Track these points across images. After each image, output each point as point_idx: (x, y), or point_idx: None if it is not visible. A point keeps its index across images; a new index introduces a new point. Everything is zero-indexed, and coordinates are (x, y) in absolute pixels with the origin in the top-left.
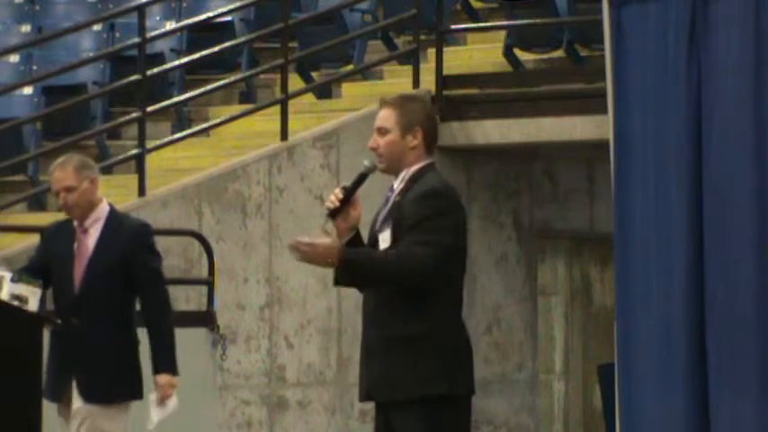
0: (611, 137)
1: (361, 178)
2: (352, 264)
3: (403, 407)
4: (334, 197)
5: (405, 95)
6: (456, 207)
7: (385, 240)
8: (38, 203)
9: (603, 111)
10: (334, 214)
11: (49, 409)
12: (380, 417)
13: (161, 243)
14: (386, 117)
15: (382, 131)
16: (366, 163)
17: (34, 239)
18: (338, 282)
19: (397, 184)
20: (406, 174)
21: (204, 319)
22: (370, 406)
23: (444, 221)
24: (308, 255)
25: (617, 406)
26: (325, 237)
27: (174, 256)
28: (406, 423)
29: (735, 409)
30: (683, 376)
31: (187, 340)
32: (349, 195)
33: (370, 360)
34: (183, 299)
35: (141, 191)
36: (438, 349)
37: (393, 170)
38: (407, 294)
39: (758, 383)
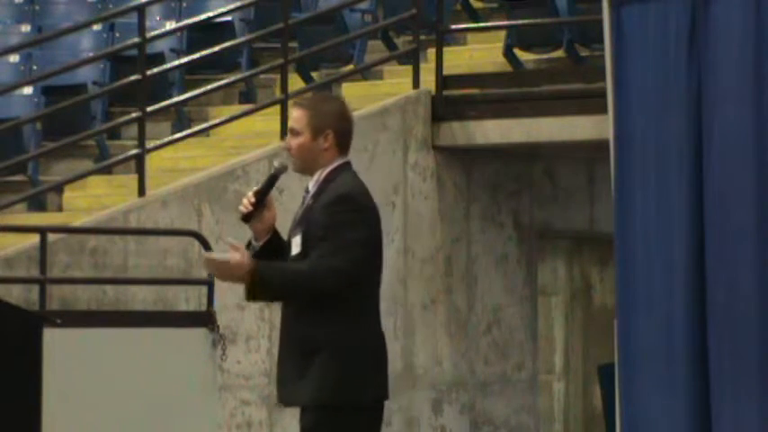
0: (611, 137)
1: (273, 179)
2: (265, 279)
3: (309, 412)
4: (246, 201)
5: (319, 96)
6: (365, 211)
7: (296, 246)
8: (38, 203)
9: (603, 111)
10: (248, 218)
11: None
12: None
13: (161, 243)
14: (297, 118)
15: (294, 133)
16: (276, 164)
17: (34, 239)
18: (253, 297)
19: (312, 186)
20: (320, 175)
21: (204, 319)
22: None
23: (354, 230)
24: (221, 271)
25: (617, 406)
26: (234, 252)
27: (174, 256)
28: (311, 428)
29: (735, 409)
30: (684, 376)
31: (187, 340)
32: (262, 198)
33: (283, 365)
34: (183, 299)
35: (141, 191)
36: (344, 357)
37: (307, 171)
38: (322, 304)
39: (759, 383)
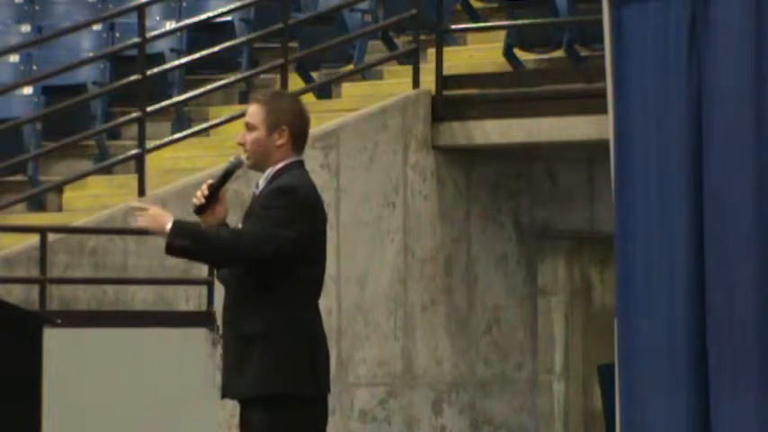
0: (611, 137)
1: (228, 174)
2: (184, 228)
3: (250, 404)
4: (200, 193)
5: (276, 93)
6: (305, 205)
7: None
8: (38, 203)
9: (603, 111)
10: (200, 210)
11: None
12: (242, 413)
13: (161, 243)
14: (254, 113)
15: (249, 127)
16: (232, 158)
17: (34, 239)
18: (170, 247)
19: (262, 182)
20: (270, 171)
21: (204, 319)
22: (371, 406)
23: (285, 213)
24: (145, 217)
25: (617, 406)
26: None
27: None
28: (252, 421)
29: (735, 409)
30: (684, 376)
31: (187, 340)
32: (215, 191)
33: (226, 357)
34: (183, 299)
35: (141, 191)
36: (283, 348)
37: (260, 167)
38: (257, 293)
39: (758, 384)
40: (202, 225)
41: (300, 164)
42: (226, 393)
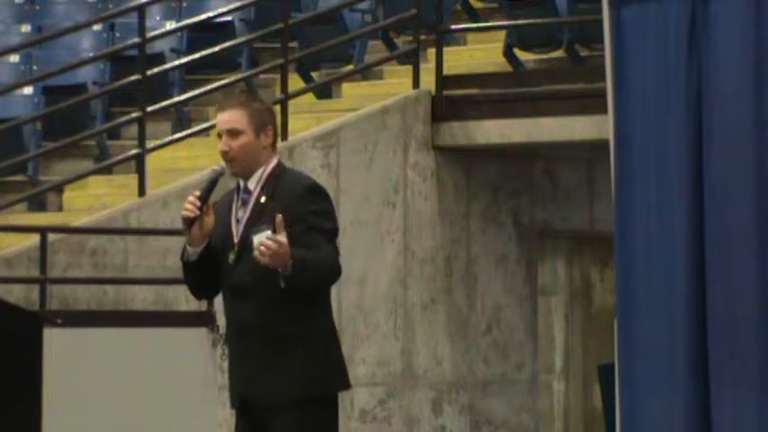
0: (611, 137)
1: (212, 184)
2: (302, 261)
3: (282, 408)
4: (191, 206)
5: (246, 95)
6: (330, 199)
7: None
8: (38, 203)
9: (603, 111)
10: (191, 223)
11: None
12: (248, 421)
13: (161, 243)
14: (236, 119)
15: (233, 133)
16: (215, 167)
17: (34, 240)
18: (290, 282)
19: (255, 185)
20: (263, 173)
21: (204, 319)
22: (372, 405)
23: (332, 221)
24: (274, 253)
25: (617, 406)
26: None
27: (173, 256)
28: (283, 425)
29: (735, 409)
30: (684, 376)
31: (187, 340)
32: (204, 202)
33: (249, 364)
34: (183, 299)
35: (141, 191)
36: (322, 347)
37: (246, 172)
38: (294, 294)
39: (758, 383)
40: (296, 254)
41: (281, 162)
42: (252, 400)
